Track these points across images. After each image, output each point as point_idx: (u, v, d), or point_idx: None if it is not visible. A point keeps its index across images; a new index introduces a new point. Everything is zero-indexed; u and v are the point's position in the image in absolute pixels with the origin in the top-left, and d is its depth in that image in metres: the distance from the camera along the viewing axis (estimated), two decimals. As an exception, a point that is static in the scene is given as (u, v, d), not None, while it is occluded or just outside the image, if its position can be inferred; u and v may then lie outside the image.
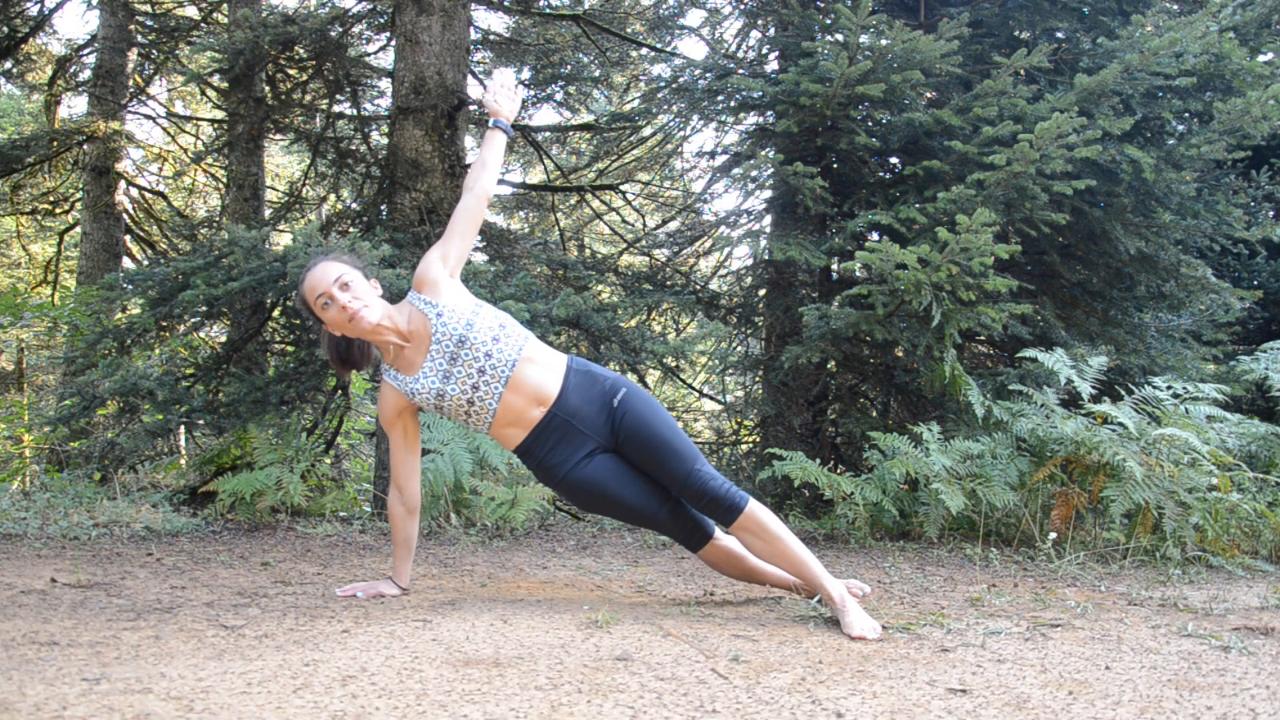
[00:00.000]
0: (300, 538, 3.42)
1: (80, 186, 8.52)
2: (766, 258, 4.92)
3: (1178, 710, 1.61)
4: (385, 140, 5.46)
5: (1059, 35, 4.98)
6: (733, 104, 5.10)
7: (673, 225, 7.69)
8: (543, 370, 2.29)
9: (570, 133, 7.95)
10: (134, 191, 8.64)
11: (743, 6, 6.21)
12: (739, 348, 6.18)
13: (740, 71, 5.35)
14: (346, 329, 2.25)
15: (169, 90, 10.17)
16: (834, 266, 4.89)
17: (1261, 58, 4.70)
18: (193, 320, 4.23)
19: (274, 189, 10.37)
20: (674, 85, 5.50)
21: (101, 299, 4.59)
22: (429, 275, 2.30)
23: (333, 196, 7.47)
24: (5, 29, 7.51)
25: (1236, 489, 3.71)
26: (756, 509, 2.27)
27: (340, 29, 5.28)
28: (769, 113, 4.83)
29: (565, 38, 7.24)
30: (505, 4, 6.35)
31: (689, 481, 2.27)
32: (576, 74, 7.33)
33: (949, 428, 4.06)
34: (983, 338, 5.04)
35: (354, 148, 5.86)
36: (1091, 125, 3.90)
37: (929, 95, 5.15)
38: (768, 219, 5.50)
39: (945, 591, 2.77)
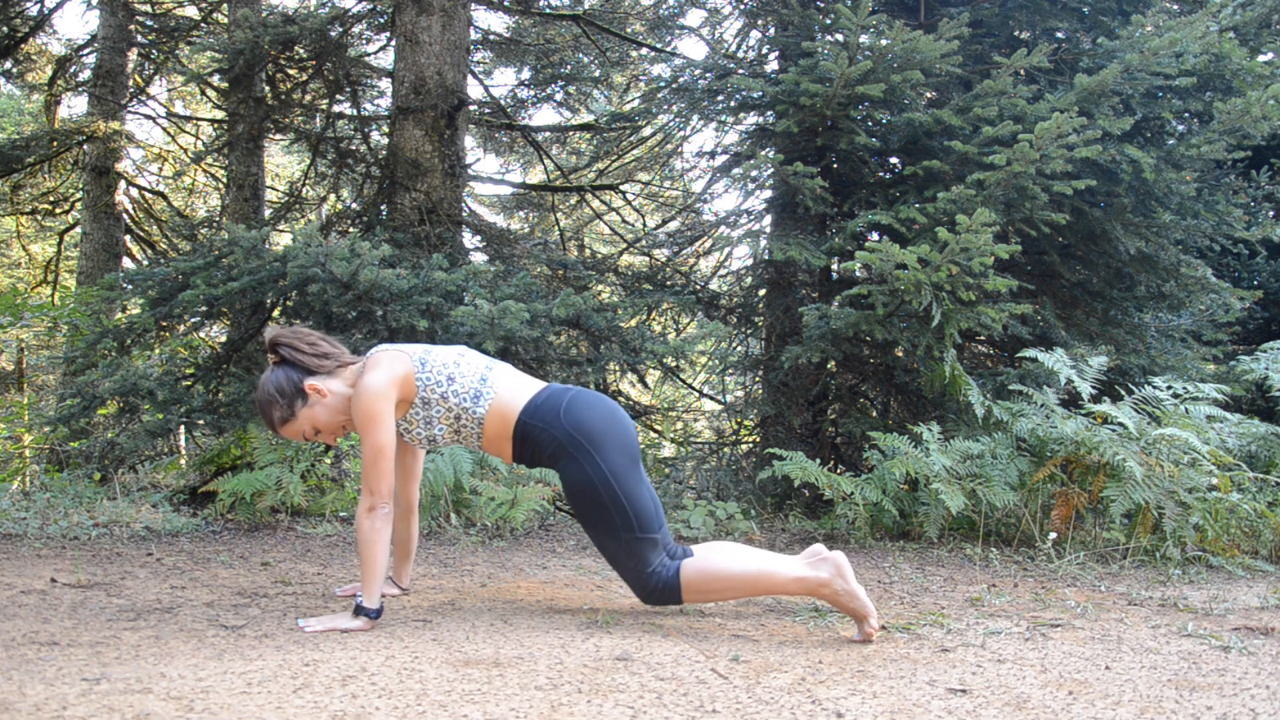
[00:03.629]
0: (300, 538, 3.42)
1: (80, 186, 8.52)
2: (766, 258, 4.92)
3: (1178, 710, 1.61)
4: (385, 140, 5.46)
5: (1059, 35, 4.99)
6: (733, 104, 5.10)
7: (673, 225, 7.69)
8: (503, 409, 2.19)
9: (570, 133, 7.95)
10: (134, 191, 8.64)
11: (743, 6, 6.21)
12: (739, 348, 6.17)
13: (740, 71, 5.35)
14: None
15: (169, 90, 10.17)
16: (834, 266, 4.89)
17: (1261, 58, 4.70)
18: (193, 320, 4.23)
19: (274, 189, 10.37)
20: (674, 85, 5.49)
21: (101, 299, 4.59)
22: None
23: (333, 196, 7.47)
24: (5, 29, 7.51)
25: (1236, 489, 3.71)
26: (689, 587, 2.11)
27: (340, 29, 5.28)
28: (769, 113, 4.83)
29: (565, 38, 7.25)
30: (505, 4, 6.35)
31: (624, 583, 2.23)
32: (576, 74, 7.33)
33: (949, 428, 4.06)
34: (983, 338, 5.04)
35: (354, 148, 5.86)
36: (1091, 125, 3.90)
37: (929, 95, 5.15)
38: (768, 219, 5.50)
39: (945, 591, 2.77)
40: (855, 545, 3.70)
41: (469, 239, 5.34)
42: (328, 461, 4.22)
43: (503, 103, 7.26)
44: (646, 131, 7.18)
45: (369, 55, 6.53)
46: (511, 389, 2.21)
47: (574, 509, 2.15)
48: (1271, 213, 6.60)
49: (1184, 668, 1.92)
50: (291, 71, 5.69)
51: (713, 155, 6.02)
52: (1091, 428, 3.57)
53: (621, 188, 8.10)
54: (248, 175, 6.60)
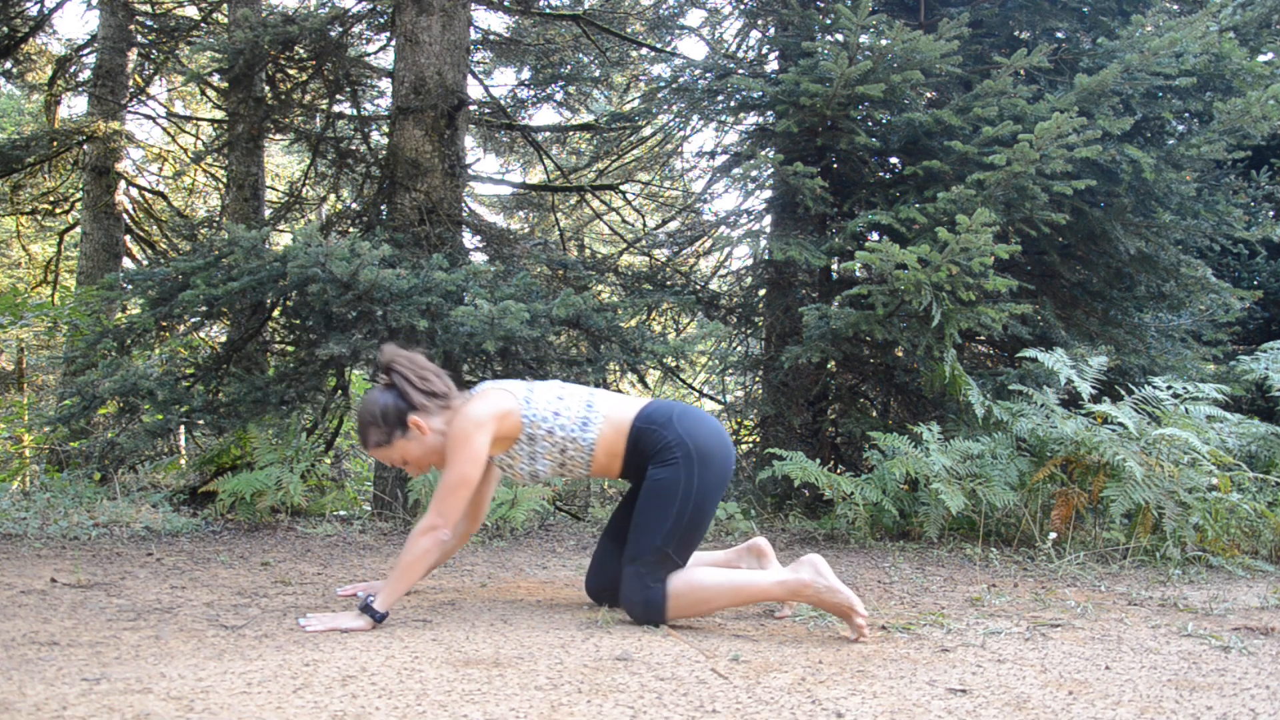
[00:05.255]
0: (300, 538, 3.41)
1: (80, 186, 8.52)
2: (766, 258, 4.92)
3: (1178, 710, 1.61)
4: (385, 140, 5.46)
5: (1059, 35, 4.98)
6: (733, 104, 5.09)
7: (673, 225, 7.68)
8: (612, 433, 2.21)
9: (570, 133, 7.95)
10: (134, 191, 8.64)
11: (743, 6, 6.21)
12: (739, 348, 6.17)
13: (740, 71, 5.35)
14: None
15: (169, 90, 10.17)
16: (834, 266, 4.89)
17: (1261, 58, 4.70)
18: (193, 320, 4.22)
19: (274, 189, 10.37)
20: (674, 85, 5.49)
21: (101, 299, 4.59)
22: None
23: (333, 196, 7.46)
24: (5, 29, 7.51)
25: (1236, 489, 3.71)
26: (675, 597, 2.11)
27: (340, 29, 5.27)
28: (769, 113, 4.83)
29: (565, 38, 7.24)
30: (505, 4, 6.35)
31: (622, 565, 2.20)
32: (576, 74, 7.32)
33: (949, 428, 4.06)
34: (983, 338, 5.04)
35: (354, 148, 5.86)
36: (1091, 125, 3.90)
37: (929, 95, 5.15)
38: (768, 219, 5.50)
39: (945, 591, 2.77)
40: (855, 545, 3.70)
41: (469, 239, 5.34)
42: (328, 462, 4.23)
43: (503, 103, 7.25)
44: (646, 131, 7.18)
45: (369, 55, 6.53)
46: (618, 409, 2.23)
47: (642, 499, 2.14)
48: (1271, 213, 6.60)
49: (1184, 668, 1.92)
50: (291, 71, 5.68)
51: (713, 155, 6.02)
52: (1091, 428, 3.57)
53: (621, 188, 8.10)
54: (248, 175, 6.59)
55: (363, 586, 2.38)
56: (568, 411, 2.19)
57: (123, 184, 8.03)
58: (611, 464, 2.24)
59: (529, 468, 2.22)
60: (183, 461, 5.65)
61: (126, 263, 8.02)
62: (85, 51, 8.25)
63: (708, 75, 5.29)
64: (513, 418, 2.16)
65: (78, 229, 8.57)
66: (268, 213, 7.00)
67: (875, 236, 4.59)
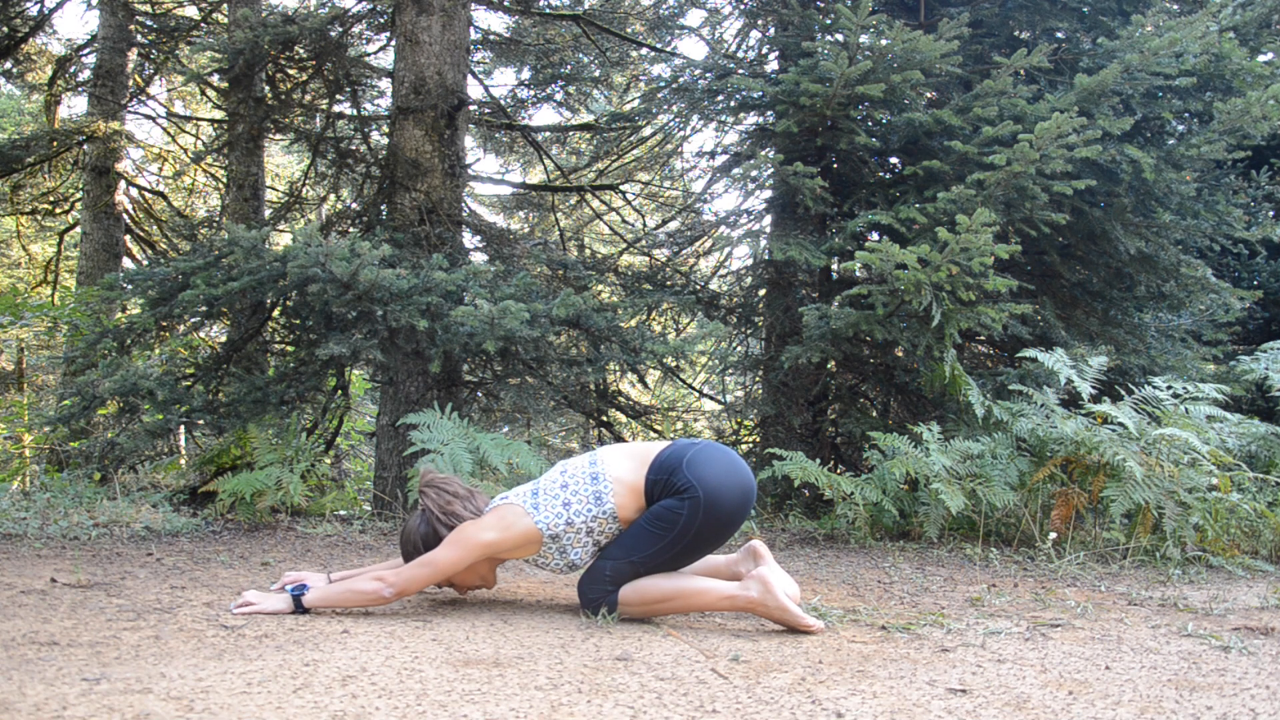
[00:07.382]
0: (300, 538, 3.42)
1: (80, 186, 8.52)
2: (766, 258, 4.92)
3: (1178, 710, 1.61)
4: (385, 140, 5.46)
5: (1059, 35, 4.99)
6: (733, 104, 5.09)
7: (673, 225, 7.68)
8: (628, 492, 2.24)
9: (570, 133, 7.95)
10: (134, 191, 8.64)
11: (743, 6, 6.20)
12: (739, 348, 6.17)
13: (740, 71, 5.35)
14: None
15: (169, 90, 10.16)
16: (834, 266, 4.89)
17: (1261, 58, 4.70)
18: (193, 320, 4.23)
19: (274, 189, 10.37)
20: (674, 85, 5.49)
21: (101, 299, 4.59)
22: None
23: (333, 196, 7.46)
24: (5, 29, 7.51)
25: (1236, 489, 3.71)
26: (625, 601, 2.20)
27: (340, 29, 5.27)
28: (769, 113, 4.83)
29: (565, 38, 7.24)
30: (505, 4, 6.35)
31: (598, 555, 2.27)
32: (576, 74, 7.32)
33: (949, 428, 4.06)
34: (983, 338, 5.04)
35: (354, 148, 5.86)
36: (1091, 125, 3.90)
37: (929, 95, 5.15)
38: (768, 219, 5.50)
39: (945, 591, 2.77)
40: (855, 545, 3.70)
41: (469, 239, 5.34)
42: (328, 462, 4.23)
43: (503, 103, 7.25)
44: (646, 131, 7.18)
45: (369, 55, 6.52)
46: (628, 464, 2.26)
47: (644, 518, 2.20)
48: (1271, 213, 6.60)
49: (1184, 668, 1.92)
50: (291, 71, 5.68)
51: (713, 155, 6.02)
52: (1091, 428, 3.57)
53: (621, 188, 8.09)
54: (248, 175, 6.60)
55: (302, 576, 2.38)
56: (577, 498, 2.22)
57: (123, 184, 8.03)
58: (638, 518, 2.26)
59: (563, 560, 2.25)
60: (183, 461, 5.65)
61: (126, 263, 8.02)
62: (85, 51, 8.25)
63: (708, 75, 5.29)
64: (524, 524, 2.19)
65: (78, 229, 8.57)
66: (268, 213, 7.00)
67: (875, 236, 4.60)
